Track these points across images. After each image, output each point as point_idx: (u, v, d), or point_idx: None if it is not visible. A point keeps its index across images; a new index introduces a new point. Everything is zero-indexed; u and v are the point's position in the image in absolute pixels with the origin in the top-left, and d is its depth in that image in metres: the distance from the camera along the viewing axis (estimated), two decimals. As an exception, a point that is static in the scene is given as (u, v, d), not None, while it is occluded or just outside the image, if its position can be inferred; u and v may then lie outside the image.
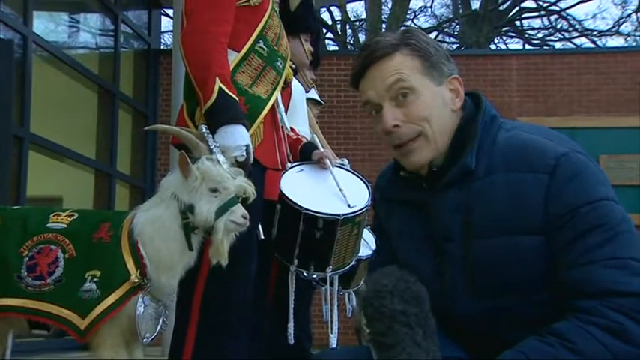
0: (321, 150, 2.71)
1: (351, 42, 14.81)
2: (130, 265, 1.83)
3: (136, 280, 1.81)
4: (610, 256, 1.20)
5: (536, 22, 15.81)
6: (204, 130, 1.95)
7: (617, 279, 1.19)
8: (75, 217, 1.95)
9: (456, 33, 15.66)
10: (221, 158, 1.88)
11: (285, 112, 2.45)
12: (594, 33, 15.07)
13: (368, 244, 2.92)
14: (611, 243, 1.21)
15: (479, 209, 1.29)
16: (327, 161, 2.63)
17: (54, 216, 1.95)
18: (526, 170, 1.27)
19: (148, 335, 1.85)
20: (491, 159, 1.31)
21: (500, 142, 1.32)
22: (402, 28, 1.45)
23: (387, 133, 1.34)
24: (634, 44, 13.88)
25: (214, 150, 1.90)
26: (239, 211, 1.86)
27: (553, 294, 1.25)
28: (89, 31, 6.79)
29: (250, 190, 1.90)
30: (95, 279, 1.83)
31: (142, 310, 1.82)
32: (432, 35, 15.15)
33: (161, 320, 1.89)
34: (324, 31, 13.73)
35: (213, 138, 1.94)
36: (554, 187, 1.24)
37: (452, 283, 1.31)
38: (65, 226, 1.93)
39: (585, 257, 1.21)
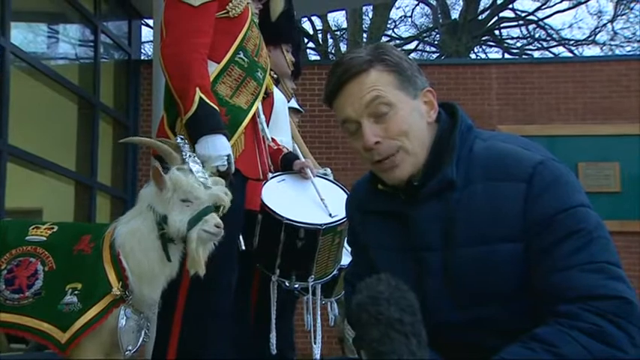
0: (303, 160, 2.72)
1: (332, 51, 14.87)
2: (112, 277, 1.81)
3: (118, 293, 1.80)
4: (587, 261, 1.22)
5: (515, 32, 16.01)
6: (179, 140, 1.94)
7: (595, 283, 1.21)
8: (54, 230, 1.93)
9: (436, 42, 15.80)
10: (194, 167, 1.86)
11: (267, 123, 2.45)
12: (571, 42, 15.29)
13: (349, 253, 2.93)
14: (588, 248, 1.23)
15: (459, 219, 1.31)
16: (308, 171, 2.64)
17: (33, 229, 1.93)
18: (504, 179, 1.29)
19: (130, 348, 1.83)
20: (469, 169, 1.33)
21: (477, 152, 1.34)
22: (373, 44, 1.45)
23: (368, 149, 1.35)
24: (610, 53, 14.10)
25: (187, 160, 1.88)
26: (212, 221, 1.82)
27: (533, 301, 1.26)
28: (68, 42, 6.74)
29: (226, 198, 1.88)
30: (76, 292, 1.80)
31: (123, 323, 1.80)
32: (413, 44, 15.30)
33: (143, 333, 1.87)
34: (305, 40, 13.78)
35: (190, 148, 1.93)
36: (531, 194, 1.26)
37: (432, 293, 1.32)
38: (45, 238, 1.90)
39: (563, 263, 1.23)
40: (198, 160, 1.90)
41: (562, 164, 1.32)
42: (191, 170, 1.85)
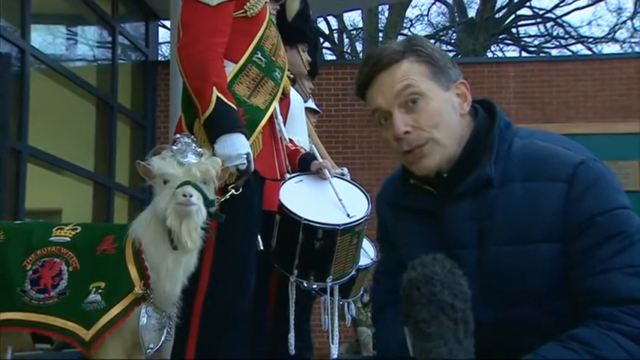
0: (320, 160, 2.72)
1: (348, 51, 14.87)
2: (134, 275, 1.83)
3: (140, 292, 1.81)
4: (628, 264, 1.21)
5: (533, 30, 15.90)
6: (178, 135, 1.93)
7: (636, 286, 1.20)
8: (78, 231, 1.95)
9: (452, 41, 15.73)
10: (175, 147, 1.84)
11: (284, 123, 2.45)
12: (590, 40, 15.15)
13: (367, 253, 2.92)
14: (630, 251, 1.22)
15: (496, 217, 1.29)
16: (326, 171, 2.63)
17: (57, 230, 1.95)
18: (544, 179, 1.27)
19: (151, 346, 1.84)
20: (507, 167, 1.31)
21: (515, 150, 1.33)
22: (406, 36, 1.45)
23: (397, 139, 1.34)
24: (629, 51, 13.93)
25: (173, 148, 1.85)
26: (180, 192, 1.77)
27: (568, 302, 1.25)
28: (87, 44, 6.80)
29: (203, 168, 1.82)
30: (100, 290, 1.82)
31: (144, 321, 1.81)
32: (429, 43, 15.18)
33: (165, 331, 1.88)
34: (321, 40, 13.78)
35: (191, 140, 1.90)
36: (572, 195, 1.25)
37: None
38: (69, 239, 1.92)
39: (604, 265, 1.22)
40: (189, 142, 1.87)
41: (603, 165, 1.30)
42: (172, 151, 1.83)
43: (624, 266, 1.20)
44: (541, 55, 14.38)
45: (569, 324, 1.22)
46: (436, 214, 1.36)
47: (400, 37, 14.21)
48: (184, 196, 1.75)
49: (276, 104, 2.27)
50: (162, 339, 1.87)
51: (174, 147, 1.86)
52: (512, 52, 15.48)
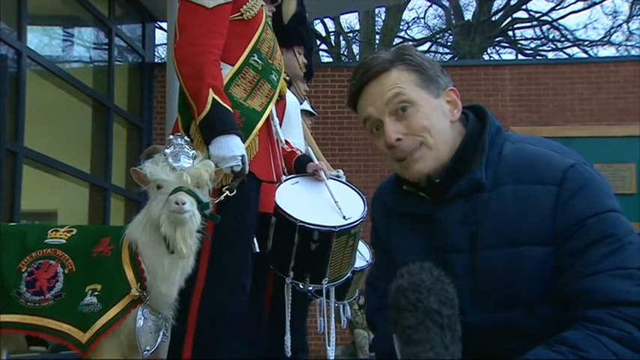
0: (316, 162, 2.72)
1: (345, 53, 14.88)
2: (131, 277, 1.83)
3: (137, 294, 1.80)
4: (618, 267, 1.21)
5: (529, 33, 15.93)
6: (171, 137, 1.92)
7: (626, 289, 1.20)
8: (73, 233, 1.95)
9: (449, 43, 15.76)
10: (168, 150, 1.83)
11: (280, 125, 2.45)
12: (586, 43, 15.19)
13: (363, 255, 2.92)
14: (619, 254, 1.22)
15: (487, 221, 1.30)
16: (322, 173, 2.64)
17: (52, 232, 1.94)
18: (534, 182, 1.28)
19: (148, 348, 1.83)
20: (498, 171, 1.32)
21: (506, 154, 1.34)
22: (396, 46, 1.46)
23: (390, 147, 1.36)
24: (625, 54, 13.98)
25: (165, 152, 1.84)
26: (173, 199, 1.76)
27: (558, 306, 1.26)
28: (83, 45, 6.80)
29: (195, 172, 1.81)
30: (96, 293, 1.82)
31: (141, 323, 1.81)
32: (426, 46, 15.25)
33: (161, 333, 1.87)
34: (318, 42, 13.79)
35: (184, 141, 1.89)
36: (562, 198, 1.26)
37: (457, 294, 1.31)
38: (64, 241, 1.92)
39: (593, 268, 1.22)
40: (182, 144, 1.85)
41: (593, 168, 1.31)
42: (165, 155, 1.82)
43: (613, 268, 1.21)
44: (537, 57, 14.42)
45: (559, 327, 1.22)
46: (429, 219, 1.37)
47: (397, 40, 14.25)
48: (177, 203, 1.75)
49: (272, 107, 2.28)
50: (159, 341, 1.86)
51: (167, 150, 1.85)
52: (508, 54, 15.53)
